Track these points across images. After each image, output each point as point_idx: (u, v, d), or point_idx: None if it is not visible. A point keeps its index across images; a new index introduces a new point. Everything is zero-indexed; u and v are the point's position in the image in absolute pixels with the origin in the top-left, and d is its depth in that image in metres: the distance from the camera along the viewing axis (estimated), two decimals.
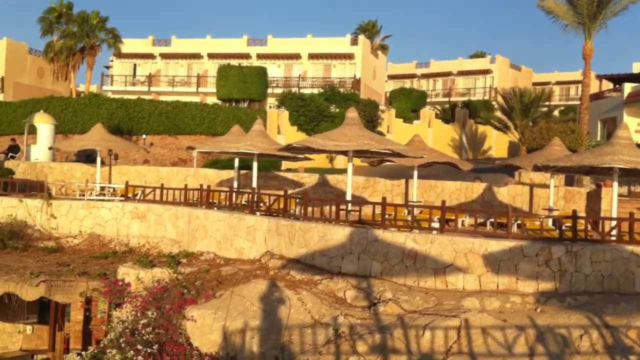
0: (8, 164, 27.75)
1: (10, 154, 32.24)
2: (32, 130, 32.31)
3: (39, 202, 21.48)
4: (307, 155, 21.70)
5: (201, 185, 21.54)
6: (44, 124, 31.66)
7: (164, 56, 59.36)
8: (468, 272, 12.61)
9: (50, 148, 31.15)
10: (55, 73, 54.35)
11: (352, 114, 17.65)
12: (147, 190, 23.03)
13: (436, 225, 14.79)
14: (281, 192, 18.24)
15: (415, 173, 23.70)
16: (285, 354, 11.64)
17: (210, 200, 20.48)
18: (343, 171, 31.76)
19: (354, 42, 56.43)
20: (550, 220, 19.75)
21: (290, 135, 40.50)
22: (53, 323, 17.33)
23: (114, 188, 24.49)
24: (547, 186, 25.44)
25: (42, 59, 56.90)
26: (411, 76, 74.02)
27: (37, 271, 16.60)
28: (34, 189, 22.79)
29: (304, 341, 11.74)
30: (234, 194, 20.11)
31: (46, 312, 20.32)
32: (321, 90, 48.99)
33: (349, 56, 55.71)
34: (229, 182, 25.43)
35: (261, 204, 19.12)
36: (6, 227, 20.49)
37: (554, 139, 23.11)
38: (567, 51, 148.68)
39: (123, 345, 13.04)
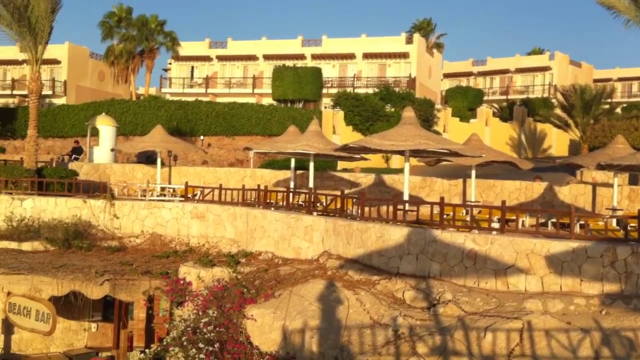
0: (72, 166, 28.61)
1: (74, 155, 33.24)
2: (95, 133, 33.22)
3: (102, 203, 22.04)
4: (364, 155, 21.69)
5: (258, 186, 21.76)
6: (105, 126, 32.52)
7: (221, 58, 60.17)
8: (530, 273, 12.40)
9: (112, 150, 31.97)
10: (116, 76, 55.77)
11: (408, 113, 17.56)
12: (206, 191, 23.41)
13: (496, 225, 14.58)
14: (338, 192, 18.28)
15: (473, 172, 23.42)
16: (345, 354, 11.66)
17: (268, 201, 20.67)
18: (399, 171, 31.63)
19: (409, 40, 56.11)
20: (614, 220, 19.24)
21: (346, 135, 40.55)
22: (117, 321, 17.78)
23: (173, 189, 24.95)
24: (610, 185, 24.78)
25: (103, 62, 58.49)
26: (467, 74, 73.09)
27: (101, 270, 17.05)
28: (97, 189, 23.43)
29: (363, 342, 11.74)
30: (291, 194, 20.26)
31: (110, 310, 20.86)
32: (376, 90, 48.90)
33: (404, 55, 55.42)
34: (286, 183, 25.63)
35: (318, 204, 19.20)
36: (71, 227, 21.09)
37: (617, 136, 22.47)
38: (629, 47, 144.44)
39: (185, 343, 13.30)
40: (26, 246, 20.58)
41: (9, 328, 20.15)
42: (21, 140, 43.44)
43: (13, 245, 20.64)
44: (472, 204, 20.62)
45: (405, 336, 11.47)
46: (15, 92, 60.77)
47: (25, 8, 24.35)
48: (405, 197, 17.54)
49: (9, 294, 18.96)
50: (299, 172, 26.19)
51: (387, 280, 13.53)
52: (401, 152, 18.16)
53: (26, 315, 18.50)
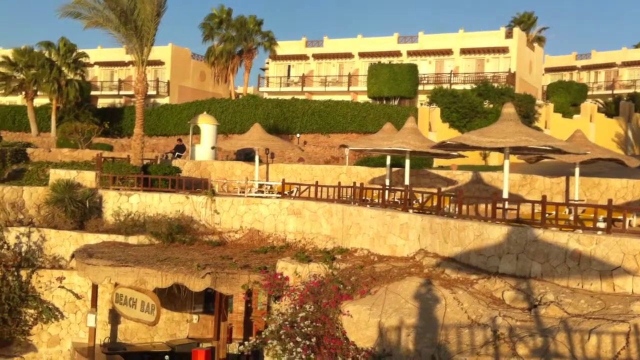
0: (175, 163, 29.66)
1: (177, 153, 34.47)
2: (196, 131, 34.31)
3: (204, 199, 22.74)
4: (461, 153, 21.35)
5: (354, 183, 21.82)
6: (207, 124, 33.53)
7: (317, 57, 60.75)
8: (638, 275, 11.83)
9: (213, 147, 32.91)
10: (216, 76, 57.40)
11: (508, 109, 17.13)
12: (302, 188, 23.71)
13: (602, 225, 13.99)
14: (434, 190, 18.07)
15: (577, 170, 22.57)
16: (442, 353, 11.53)
17: (363, 198, 20.70)
18: (497, 168, 30.91)
19: (509, 35, 54.72)
20: None
21: (442, 132, 40.02)
22: (218, 313, 18.31)
23: (271, 185, 25.40)
24: None
25: (204, 63, 60.34)
26: (570, 68, 70.44)
27: (203, 264, 17.60)
28: (198, 186, 24.19)
29: (461, 341, 11.57)
30: (386, 191, 20.21)
31: (210, 302, 21.52)
32: (474, 86, 47.96)
33: (503, 50, 54.11)
34: (381, 180, 25.58)
35: (414, 202, 19.05)
36: (174, 221, 21.87)
37: None
38: None
39: (283, 337, 13.54)
40: (132, 240, 21.50)
41: (115, 318, 21.19)
42: (127, 139, 45.50)
43: (120, 238, 21.60)
44: (576, 202, 19.88)
45: (505, 337, 11.21)
46: (121, 92, 63.65)
47: (131, 11, 25.43)
48: (505, 195, 17.13)
49: (116, 285, 19.92)
50: (394, 169, 26.08)
51: (486, 279, 13.26)
52: (500, 150, 17.75)
53: (132, 306, 19.37)
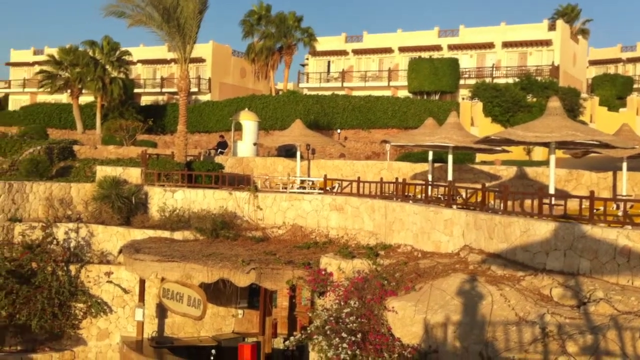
0: (218, 159, 29.96)
1: (219, 149, 34.81)
2: (238, 127, 34.59)
3: (247, 195, 22.95)
4: (505, 148, 21.12)
5: (396, 179, 21.78)
6: (248, 121, 33.78)
7: (356, 52, 60.60)
8: None
9: (254, 144, 33.14)
10: (256, 73, 57.74)
11: (554, 103, 16.87)
12: (344, 184, 23.75)
13: None
14: (477, 185, 17.93)
15: (625, 165, 22.11)
16: (490, 350, 11.47)
17: (406, 193, 20.65)
18: (542, 163, 30.48)
19: (552, 27, 53.82)
20: None
21: (484, 126, 39.61)
22: (263, 308, 18.50)
23: (312, 181, 25.49)
24: None
25: (244, 59, 60.75)
26: (615, 61, 68.95)
27: (247, 259, 17.77)
28: (241, 182, 24.42)
29: (508, 338, 11.49)
30: (429, 187, 20.12)
31: (255, 298, 21.75)
32: (516, 80, 47.33)
33: (546, 42, 53.24)
34: (423, 175, 25.45)
35: (457, 197, 18.94)
36: (218, 217, 22.12)
37: None
38: None
39: (328, 332, 13.61)
40: (177, 235, 21.82)
41: (162, 312, 21.54)
42: (170, 135, 46.12)
43: (166, 234, 21.95)
44: (625, 198, 19.50)
45: (554, 334, 11.10)
46: (164, 89, 64.48)
47: (174, 9, 25.73)
48: (551, 191, 16.91)
49: (162, 280, 20.25)
50: (436, 165, 25.92)
51: (533, 276, 13.13)
52: (546, 144, 17.52)
53: (179, 301, 19.68)
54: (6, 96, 75.65)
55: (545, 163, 26.98)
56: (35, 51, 74.53)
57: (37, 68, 63.37)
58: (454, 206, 17.79)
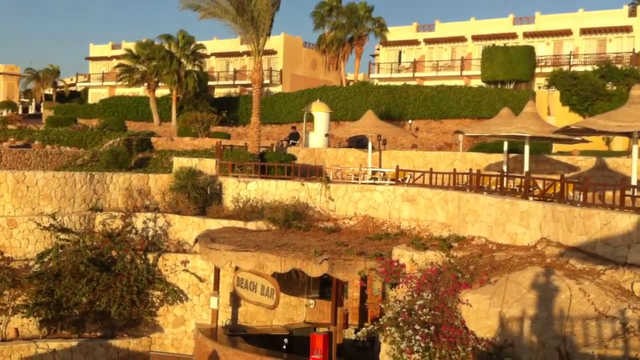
0: (290, 150, 30.22)
1: (291, 140, 35.08)
2: (310, 118, 34.75)
3: (318, 186, 23.05)
4: (585, 138, 20.47)
5: (470, 170, 21.43)
6: (320, 112, 33.89)
7: (428, 41, 59.90)
8: None
9: (326, 135, 33.24)
10: (327, 64, 57.93)
11: (637, 91, 16.22)
12: (416, 175, 23.54)
13: None
14: (555, 176, 17.45)
15: None
16: (568, 345, 11.18)
17: (480, 185, 20.29)
18: (621, 154, 29.39)
19: (632, 13, 51.79)
20: None
21: (562, 116, 38.44)
22: (335, 299, 18.57)
23: (384, 172, 25.38)
24: None
25: (315, 51, 61.03)
26: None
27: (320, 250, 17.88)
28: (313, 173, 24.55)
29: (587, 333, 11.16)
30: (504, 178, 19.71)
31: (326, 288, 21.86)
32: (595, 67, 45.74)
33: (626, 29, 51.31)
34: (497, 166, 24.95)
35: (534, 189, 18.47)
36: (291, 208, 22.32)
37: None
38: None
39: (401, 324, 13.55)
40: (251, 225, 22.16)
41: (236, 301, 21.94)
42: (243, 127, 46.83)
43: (240, 224, 22.31)
44: None
45: (635, 330, 10.73)
46: (236, 82, 65.45)
47: (248, 2, 26.08)
48: (634, 182, 16.28)
49: (236, 269, 20.61)
50: (511, 155, 25.36)
51: (614, 270, 12.69)
52: (628, 134, 16.89)
53: (252, 290, 19.99)
54: (86, 90, 78.54)
55: (626, 153, 25.99)
56: (113, 46, 76.97)
57: (115, 62, 65.53)
58: (531, 198, 17.37)
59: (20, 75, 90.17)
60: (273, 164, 25.52)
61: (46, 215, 22.06)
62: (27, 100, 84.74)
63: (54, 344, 20.56)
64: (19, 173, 22.57)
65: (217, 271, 21.18)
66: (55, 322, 21.26)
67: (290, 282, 20.70)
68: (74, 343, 20.77)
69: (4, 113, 70.01)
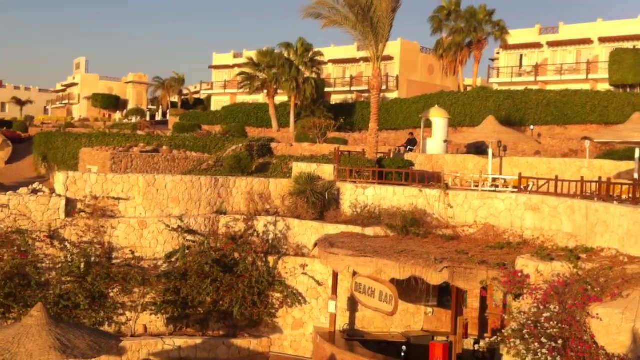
0: (407, 156, 30.08)
1: (408, 147, 34.94)
2: (427, 124, 34.47)
3: (437, 192, 22.75)
4: None
5: (599, 178, 20.46)
6: (438, 118, 33.54)
7: (551, 44, 57.81)
8: None
9: (444, 141, 32.84)
10: (444, 69, 57.23)
11: None
12: (540, 182, 22.75)
13: None
14: None
15: None
16: None
17: (610, 194, 19.34)
18: None
19: None
20: None
21: None
22: (455, 308, 18.26)
23: (505, 179, 24.73)
24: None
25: (431, 56, 60.44)
26: None
27: (439, 257, 17.64)
28: (431, 179, 24.28)
29: None
30: (637, 187, 18.67)
31: (444, 296, 21.55)
32: None
33: None
34: (628, 174, 23.74)
35: None
36: (408, 214, 22.16)
37: None
38: None
39: (526, 336, 13.15)
40: (369, 231, 22.19)
41: (353, 306, 22.05)
42: (359, 133, 47.06)
43: (357, 229, 22.38)
44: None
45: None
46: (352, 88, 65.93)
47: (368, 9, 26.25)
48: None
49: (354, 274, 20.72)
50: None
51: None
52: None
53: (370, 295, 20.02)
54: (209, 97, 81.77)
55: None
56: (235, 54, 79.66)
57: (236, 70, 67.78)
58: None
59: (148, 84, 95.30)
60: (391, 169, 25.48)
61: (174, 217, 23.09)
62: (154, 107, 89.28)
63: (179, 341, 21.46)
64: (150, 176, 23.76)
65: (335, 275, 21.38)
66: (181, 320, 22.19)
67: (407, 289, 20.56)
68: (198, 341, 21.59)
69: (134, 120, 74.23)
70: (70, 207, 22.12)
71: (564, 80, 54.39)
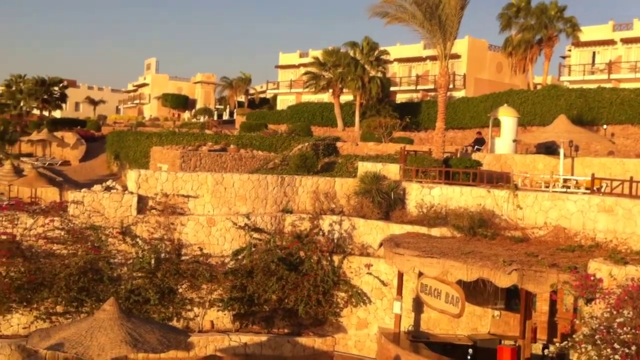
0: (475, 156, 29.61)
1: (476, 146, 34.38)
2: (496, 124, 33.84)
3: (506, 193, 22.29)
4: None
5: None
6: (507, 117, 32.89)
7: (625, 41, 55.88)
8: None
9: (514, 141, 32.18)
10: (513, 67, 56.06)
11: None
12: (614, 183, 22.03)
13: None
14: None
15: None
16: None
17: None
18: None
19: None
20: None
21: None
22: (524, 311, 17.86)
23: (577, 180, 24.04)
24: None
25: (500, 53, 59.29)
26: None
27: (508, 260, 17.29)
28: (499, 180, 23.84)
29: None
30: None
31: (512, 299, 21.15)
32: None
33: None
34: None
35: None
36: (476, 215, 21.79)
37: None
38: None
39: (599, 342, 12.78)
40: (435, 232, 21.96)
41: (418, 307, 21.88)
42: (425, 132, 46.67)
43: (423, 230, 22.18)
44: None
45: None
46: (418, 87, 65.37)
47: (436, 7, 25.98)
48: None
49: (420, 275, 20.54)
50: None
51: None
52: None
53: (436, 297, 19.81)
54: (275, 96, 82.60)
55: None
56: (300, 54, 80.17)
57: (302, 70, 68.19)
58: None
59: (216, 84, 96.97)
60: (458, 169, 25.13)
61: (241, 215, 23.43)
62: (221, 106, 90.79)
63: (245, 338, 21.77)
64: (218, 175, 24.17)
65: (400, 276, 21.25)
66: (247, 317, 22.49)
67: (474, 291, 20.27)
68: (263, 338, 21.84)
69: (202, 119, 75.67)
70: (142, 204, 22.74)
71: (639, 78, 52.46)
